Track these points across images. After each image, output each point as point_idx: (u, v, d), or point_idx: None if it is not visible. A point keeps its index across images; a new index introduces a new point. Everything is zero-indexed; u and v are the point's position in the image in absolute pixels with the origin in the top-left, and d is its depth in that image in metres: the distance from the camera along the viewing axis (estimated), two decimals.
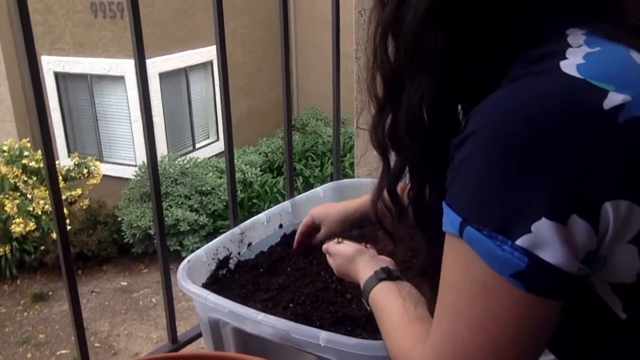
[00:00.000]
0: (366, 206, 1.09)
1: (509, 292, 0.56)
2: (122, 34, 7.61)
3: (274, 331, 0.94)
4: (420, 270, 0.77)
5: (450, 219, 0.60)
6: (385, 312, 0.82)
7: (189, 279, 1.07)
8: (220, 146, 8.84)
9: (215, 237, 1.24)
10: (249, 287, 1.17)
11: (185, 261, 1.13)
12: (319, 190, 1.44)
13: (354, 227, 1.23)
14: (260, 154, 8.19)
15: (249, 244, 1.29)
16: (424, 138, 0.67)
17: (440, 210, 0.63)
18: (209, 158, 7.93)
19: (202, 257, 1.17)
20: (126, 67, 7.66)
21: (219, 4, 1.25)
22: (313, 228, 1.23)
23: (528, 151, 0.55)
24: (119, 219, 7.19)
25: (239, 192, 7.05)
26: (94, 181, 7.23)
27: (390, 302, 0.83)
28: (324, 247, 1.07)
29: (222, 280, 1.19)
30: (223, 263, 1.22)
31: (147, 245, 7.16)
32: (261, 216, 1.33)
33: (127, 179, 7.54)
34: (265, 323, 0.94)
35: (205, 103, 8.76)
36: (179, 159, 7.49)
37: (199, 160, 7.57)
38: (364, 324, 1.04)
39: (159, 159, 7.50)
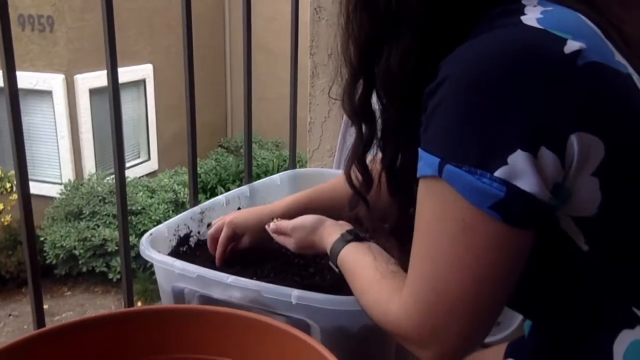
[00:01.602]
0: (290, 211, 1.11)
1: (488, 225, 0.60)
2: (51, 47, 7.38)
3: (243, 294, 0.95)
4: (391, 231, 0.81)
5: (427, 162, 0.63)
6: (357, 270, 0.83)
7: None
8: (151, 166, 8.66)
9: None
10: (210, 263, 1.16)
11: (147, 234, 1.12)
12: (276, 177, 1.47)
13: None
14: None
15: (209, 224, 1.28)
16: (403, 100, 0.71)
17: (412, 172, 0.67)
18: (139, 177, 7.73)
19: (163, 232, 1.17)
20: (54, 81, 7.41)
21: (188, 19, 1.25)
22: (233, 240, 1.14)
23: (500, 90, 0.60)
24: (42, 238, 6.86)
25: (171, 212, 6.91)
26: (16, 196, 6.89)
27: (360, 260, 0.84)
28: (271, 228, 1.05)
29: (183, 256, 1.19)
30: (184, 240, 1.21)
31: (71, 267, 6.85)
32: (220, 198, 1.34)
33: (51, 198, 7.22)
34: (235, 285, 0.94)
35: (136, 122, 8.57)
36: (108, 178, 7.27)
37: (128, 179, 7.37)
38: (328, 292, 1.06)
39: (86, 177, 7.32)
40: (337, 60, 0.79)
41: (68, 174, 7.50)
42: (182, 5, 1.25)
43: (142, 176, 8.01)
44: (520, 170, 0.58)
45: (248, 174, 1.45)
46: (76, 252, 6.57)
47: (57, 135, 7.59)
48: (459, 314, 0.64)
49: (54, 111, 7.55)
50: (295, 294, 0.90)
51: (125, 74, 8.03)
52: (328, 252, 0.92)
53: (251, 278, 1.10)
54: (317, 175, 1.50)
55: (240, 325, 0.82)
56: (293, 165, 1.56)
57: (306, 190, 1.20)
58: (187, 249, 1.21)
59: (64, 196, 7.02)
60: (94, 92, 7.66)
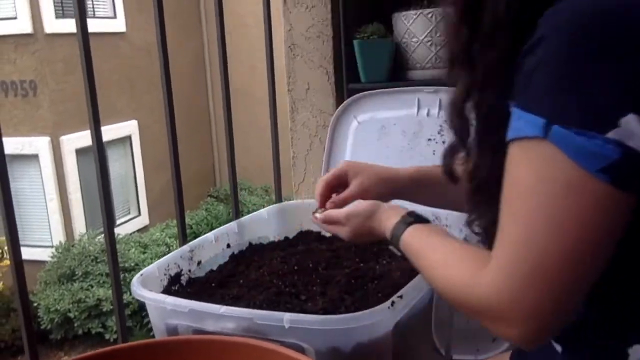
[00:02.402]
0: (412, 178, 1.04)
1: (595, 187, 0.58)
2: (35, 111, 7.45)
3: (236, 324, 0.95)
4: (478, 186, 0.75)
5: (529, 122, 0.60)
6: (426, 252, 0.78)
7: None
8: (141, 221, 8.64)
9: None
10: (203, 299, 1.16)
11: (138, 275, 1.12)
12: (263, 212, 1.48)
13: (393, 196, 1.05)
14: None
15: (199, 262, 1.29)
16: (510, 35, 0.66)
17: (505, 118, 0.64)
18: (130, 234, 7.70)
19: (154, 272, 1.17)
20: (40, 144, 7.45)
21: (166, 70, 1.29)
22: (342, 180, 1.05)
23: (611, 48, 0.57)
24: (35, 304, 6.76)
25: None
26: (7, 262, 6.82)
27: (428, 240, 0.80)
28: (320, 217, 0.99)
29: (174, 295, 1.18)
30: (175, 279, 1.21)
31: (66, 330, 6.74)
32: (209, 235, 1.34)
33: (43, 262, 7.15)
34: (228, 315, 0.94)
35: (124, 178, 8.60)
36: (99, 237, 7.23)
37: (120, 236, 7.34)
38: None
39: (76, 238, 7.28)
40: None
41: (59, 236, 7.47)
42: (160, 62, 1.28)
43: (134, 232, 7.98)
44: (632, 132, 0.57)
45: (235, 211, 1.47)
46: (71, 315, 6.49)
47: (45, 198, 7.58)
48: (555, 286, 0.60)
49: (41, 174, 7.57)
50: (287, 317, 0.90)
51: (111, 131, 8.10)
52: (388, 236, 0.87)
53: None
54: (304, 207, 1.51)
55: (236, 352, 0.83)
56: (279, 199, 1.58)
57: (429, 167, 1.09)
58: (179, 287, 1.21)
59: (55, 259, 6.97)
60: (80, 152, 7.70)
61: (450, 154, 0.84)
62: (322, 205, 1.05)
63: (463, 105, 0.73)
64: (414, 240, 0.82)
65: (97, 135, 1.18)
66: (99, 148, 1.20)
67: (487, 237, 0.74)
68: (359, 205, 0.94)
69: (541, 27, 0.60)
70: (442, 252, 0.76)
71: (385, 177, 1.04)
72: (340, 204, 1.02)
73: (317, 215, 1.01)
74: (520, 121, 0.60)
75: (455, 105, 0.75)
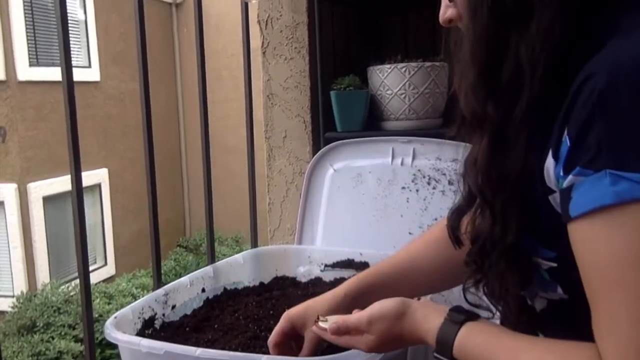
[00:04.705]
0: (360, 282, 0.94)
1: None
2: (2, 157, 7.33)
3: None
4: (484, 248, 0.68)
5: (625, 185, 0.52)
6: (499, 355, 0.64)
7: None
8: (107, 271, 8.45)
9: None
10: (178, 343, 1.15)
11: (112, 317, 1.10)
12: (238, 257, 1.48)
13: None
14: (151, 276, 7.89)
15: (173, 306, 1.28)
16: (540, 82, 0.61)
17: (522, 174, 0.60)
18: (95, 284, 7.50)
19: (128, 315, 1.15)
20: (6, 191, 7.31)
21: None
22: (293, 335, 0.92)
23: None
24: None
25: None
26: None
27: (499, 339, 0.66)
28: (332, 328, 0.79)
29: (148, 338, 1.17)
30: (149, 322, 1.20)
31: None
32: (184, 279, 1.33)
33: (2, 312, 6.90)
34: (204, 357, 0.93)
35: (92, 227, 8.44)
36: (63, 286, 7.03)
37: None
38: None
39: (39, 287, 7.06)
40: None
41: (20, 286, 7.24)
42: (142, 111, 1.29)
43: (99, 282, 7.79)
44: None
45: (211, 255, 1.46)
46: None
47: (9, 246, 7.38)
48: None
49: (5, 222, 7.39)
50: (264, 359, 0.90)
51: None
52: (431, 341, 0.71)
53: None
54: (280, 252, 1.52)
55: None
56: (255, 244, 1.59)
57: (370, 268, 1.01)
58: (153, 331, 1.20)
59: (16, 309, 6.73)
60: (47, 200, 7.57)
61: (457, 215, 0.78)
62: None
63: (485, 165, 0.67)
64: (474, 343, 0.67)
65: (77, 181, 1.18)
66: (79, 193, 1.19)
67: (496, 300, 0.70)
68: (383, 305, 0.76)
69: (599, 76, 0.54)
70: (522, 356, 0.62)
71: (328, 311, 0.90)
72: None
73: (323, 324, 0.82)
74: (623, 184, 0.52)
75: (473, 165, 0.68)
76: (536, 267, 0.67)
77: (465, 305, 0.74)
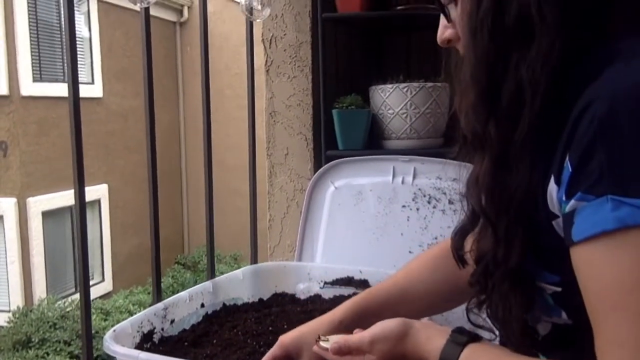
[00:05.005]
0: (351, 314, 0.93)
1: None
2: (3, 172, 7.35)
3: None
4: (487, 269, 0.68)
5: (627, 210, 0.53)
6: None
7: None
8: (105, 287, 8.41)
9: None
10: (176, 357, 1.15)
11: (111, 330, 1.10)
12: (238, 272, 1.48)
13: None
14: (149, 293, 7.86)
15: (172, 321, 1.28)
16: (540, 103, 0.61)
17: (526, 196, 0.61)
18: (92, 300, 7.46)
19: (127, 328, 1.15)
20: (6, 206, 7.30)
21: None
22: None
23: None
24: None
25: None
26: None
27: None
28: (333, 348, 0.79)
29: (147, 352, 1.17)
30: (147, 337, 1.20)
31: None
32: (183, 294, 1.34)
33: None
34: None
35: (90, 243, 8.41)
36: (60, 302, 6.99)
37: None
38: None
39: (36, 302, 7.02)
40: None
41: (17, 301, 7.20)
42: (146, 127, 1.31)
43: (96, 298, 7.75)
44: None
45: (211, 270, 1.47)
46: None
47: (6, 261, 7.35)
48: None
49: (4, 236, 7.38)
50: None
51: None
52: None
53: None
54: (279, 269, 1.52)
55: None
56: (255, 260, 1.59)
57: (367, 290, 1.01)
58: (151, 345, 1.20)
59: (11, 324, 6.68)
60: (46, 215, 7.56)
61: (460, 236, 0.78)
62: None
63: (488, 186, 0.67)
64: None
65: (80, 196, 1.18)
66: (81, 209, 1.20)
67: (499, 322, 0.70)
68: (385, 325, 0.76)
69: (595, 108, 0.55)
70: None
71: (329, 332, 0.89)
72: None
73: (324, 344, 0.81)
74: (624, 209, 0.53)
75: (475, 184, 0.69)
76: (540, 291, 0.67)
77: (467, 326, 0.75)
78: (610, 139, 0.54)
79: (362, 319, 0.91)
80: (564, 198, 0.58)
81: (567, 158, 0.57)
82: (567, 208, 0.57)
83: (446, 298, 0.94)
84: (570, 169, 0.57)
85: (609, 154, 0.53)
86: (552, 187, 0.60)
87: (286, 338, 0.91)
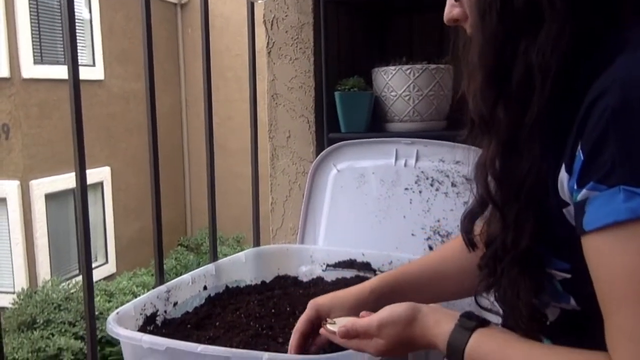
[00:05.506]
0: (379, 291, 0.93)
1: None
2: (5, 155, 7.35)
3: None
4: (495, 253, 0.68)
5: (639, 201, 0.53)
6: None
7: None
8: (108, 269, 8.46)
9: None
10: (179, 340, 1.15)
11: (114, 313, 1.11)
12: (241, 255, 1.48)
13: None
14: (152, 275, 7.90)
15: (175, 303, 1.28)
16: (550, 89, 0.60)
17: (536, 182, 0.60)
18: (96, 281, 7.51)
19: (130, 311, 1.16)
20: (8, 188, 7.32)
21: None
22: (313, 326, 0.92)
23: None
24: None
25: None
26: None
27: (509, 346, 0.66)
28: (340, 331, 0.80)
29: (150, 334, 1.17)
30: (150, 319, 1.20)
31: None
32: (186, 276, 1.34)
33: (3, 308, 6.91)
34: (205, 353, 0.94)
35: (93, 225, 8.46)
36: (64, 284, 7.04)
37: None
38: None
39: (40, 284, 7.07)
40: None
41: (21, 282, 7.25)
42: (147, 109, 1.30)
43: (100, 280, 7.80)
44: None
45: (213, 252, 1.47)
46: None
47: (10, 243, 7.39)
48: None
49: (7, 218, 7.41)
50: (266, 357, 0.90)
51: None
52: (441, 347, 0.71)
53: None
54: (282, 252, 1.53)
55: None
56: (257, 243, 1.59)
57: (401, 265, 1.01)
58: (154, 327, 1.20)
59: (16, 306, 6.73)
60: (49, 197, 7.58)
61: (469, 219, 0.78)
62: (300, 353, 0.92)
63: (495, 169, 0.67)
64: (486, 350, 0.67)
65: (81, 179, 1.18)
66: (83, 192, 1.20)
67: (504, 304, 0.70)
68: (393, 310, 0.77)
69: (607, 97, 0.55)
70: None
71: (356, 305, 0.91)
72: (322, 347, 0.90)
73: (331, 327, 0.83)
74: (637, 200, 0.53)
75: (484, 168, 0.68)
76: (549, 278, 0.67)
77: (477, 311, 0.75)
78: (623, 129, 0.53)
79: (392, 292, 0.92)
80: (575, 187, 0.58)
81: (579, 147, 0.57)
82: (579, 197, 0.57)
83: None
84: (582, 158, 0.56)
85: (622, 144, 0.53)
86: (563, 175, 0.60)
87: (319, 301, 0.93)
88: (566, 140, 0.59)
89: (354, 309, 0.90)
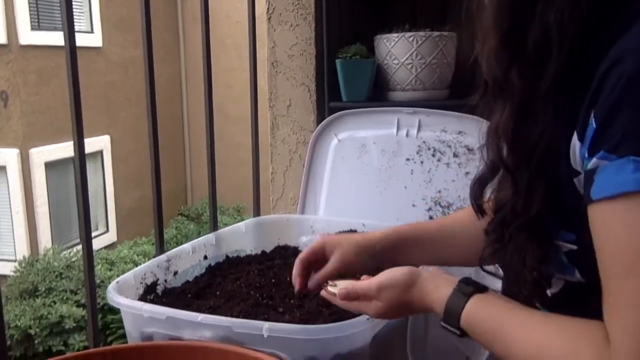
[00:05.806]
0: (389, 238, 0.95)
1: None
2: (4, 122, 7.31)
3: (214, 333, 0.94)
4: (504, 219, 0.68)
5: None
6: (508, 326, 0.64)
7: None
8: (109, 237, 8.50)
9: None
10: (179, 309, 1.15)
11: (114, 282, 1.11)
12: (241, 225, 1.48)
13: (370, 262, 0.94)
14: (153, 244, 7.94)
15: (175, 273, 1.28)
16: (567, 53, 0.59)
17: (549, 148, 0.60)
18: (97, 250, 7.55)
19: (130, 280, 1.16)
20: (8, 157, 7.30)
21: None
22: (319, 257, 0.95)
23: None
24: None
25: None
26: None
27: (504, 312, 0.66)
28: (341, 293, 0.81)
29: (150, 303, 1.17)
30: (151, 288, 1.20)
31: (26, 348, 6.53)
32: (186, 246, 1.33)
33: (4, 276, 6.97)
34: (206, 323, 0.94)
35: (94, 194, 8.46)
36: (65, 252, 7.07)
37: None
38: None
39: (41, 252, 7.11)
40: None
41: (23, 250, 7.29)
42: (145, 78, 1.27)
43: (101, 249, 7.84)
44: None
45: (213, 222, 1.46)
46: (32, 332, 6.29)
47: (11, 211, 7.41)
48: None
49: (8, 187, 7.41)
50: (266, 327, 0.90)
51: None
52: (439, 311, 0.71)
53: None
54: (282, 222, 1.52)
55: (216, 357, 0.82)
56: (257, 213, 1.58)
57: (412, 222, 1.01)
58: (154, 296, 1.20)
59: (18, 274, 6.78)
60: (49, 166, 7.57)
61: (479, 185, 0.77)
62: (302, 286, 0.95)
63: (507, 134, 0.66)
64: (483, 316, 0.66)
65: (79, 147, 1.16)
66: (81, 159, 1.18)
67: (506, 272, 0.71)
68: (392, 273, 0.77)
69: (623, 65, 0.53)
70: (534, 331, 0.61)
71: (364, 245, 0.94)
72: (322, 282, 0.91)
73: (332, 289, 0.84)
74: (623, 174, 0.52)
75: (496, 133, 0.68)
76: (556, 249, 0.66)
77: (478, 278, 0.74)
78: (637, 99, 0.52)
79: (399, 245, 0.94)
80: (586, 155, 0.57)
81: (592, 115, 0.56)
82: (589, 165, 0.57)
83: None
84: (594, 126, 0.56)
85: (635, 114, 0.52)
86: (576, 142, 0.59)
87: (327, 236, 0.96)
88: (580, 107, 0.58)
89: (361, 248, 0.93)
